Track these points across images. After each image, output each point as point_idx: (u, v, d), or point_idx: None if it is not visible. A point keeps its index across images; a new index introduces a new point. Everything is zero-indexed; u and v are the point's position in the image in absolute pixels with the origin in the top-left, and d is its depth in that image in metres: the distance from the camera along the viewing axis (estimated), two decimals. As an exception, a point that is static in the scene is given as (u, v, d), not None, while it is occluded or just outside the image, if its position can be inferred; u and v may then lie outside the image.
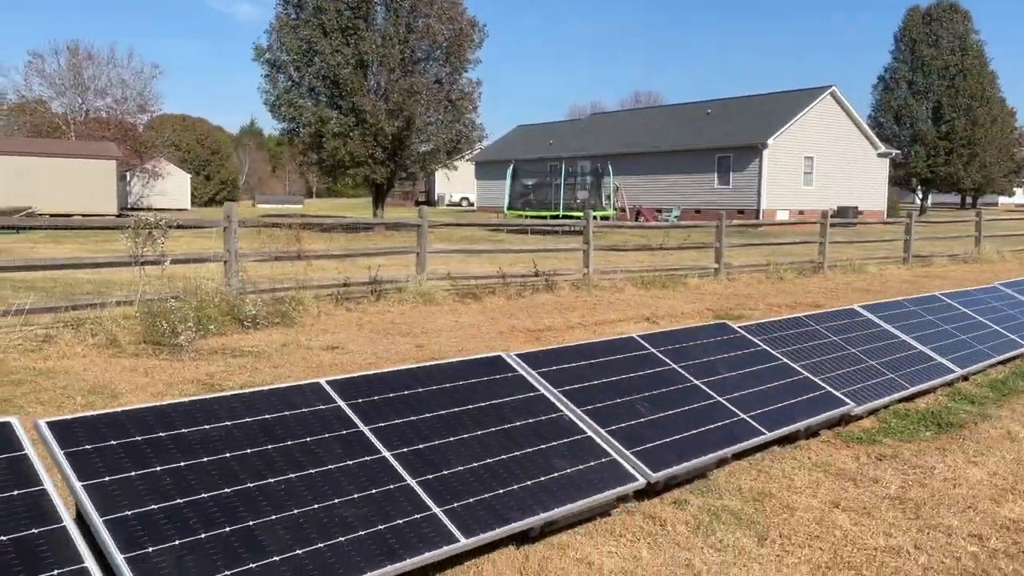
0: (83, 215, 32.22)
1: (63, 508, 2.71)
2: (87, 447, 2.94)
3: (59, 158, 37.11)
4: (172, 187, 53.86)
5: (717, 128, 40.47)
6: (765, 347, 5.70)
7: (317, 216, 24.83)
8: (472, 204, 57.58)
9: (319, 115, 28.51)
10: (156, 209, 44.76)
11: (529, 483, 3.60)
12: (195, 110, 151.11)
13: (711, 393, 4.87)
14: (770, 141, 36.97)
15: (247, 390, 3.59)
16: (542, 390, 4.33)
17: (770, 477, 4.52)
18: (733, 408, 4.80)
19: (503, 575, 3.28)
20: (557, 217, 32.39)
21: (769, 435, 4.72)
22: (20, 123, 52.59)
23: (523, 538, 3.53)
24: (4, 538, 2.53)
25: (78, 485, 2.79)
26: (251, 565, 2.74)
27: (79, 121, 49.95)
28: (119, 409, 3.18)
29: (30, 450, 2.86)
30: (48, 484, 2.78)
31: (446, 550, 3.12)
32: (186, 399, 3.40)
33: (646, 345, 5.15)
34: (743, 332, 5.83)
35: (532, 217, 33.12)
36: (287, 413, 3.49)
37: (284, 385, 3.70)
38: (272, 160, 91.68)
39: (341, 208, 56.32)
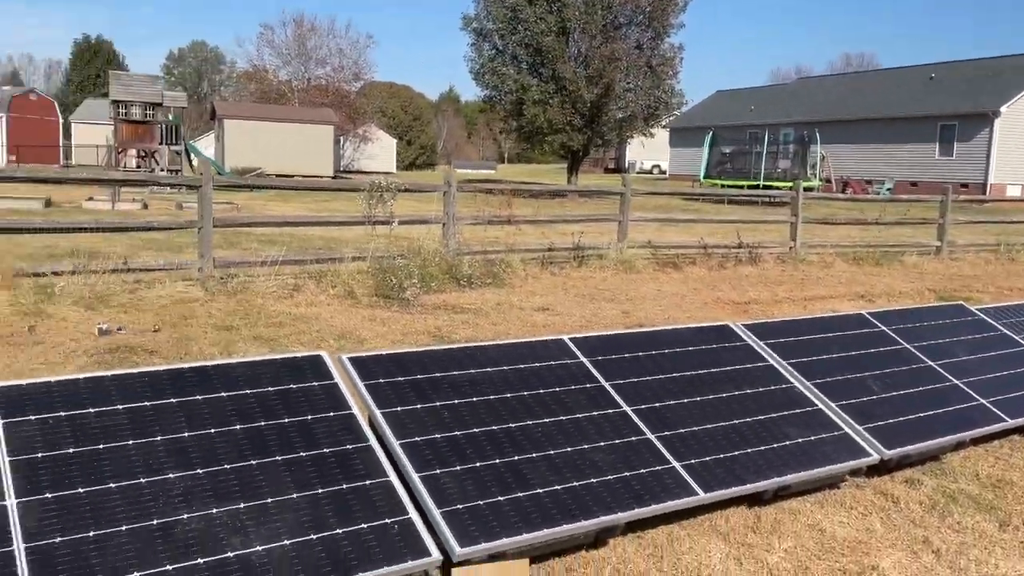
0: (304, 176, 35.11)
1: (367, 429, 3.21)
2: (381, 381, 3.44)
3: (284, 123, 40.55)
4: (379, 151, 57.29)
5: (941, 94, 37.15)
6: (1007, 332, 5.41)
7: (523, 183, 25.52)
8: (663, 172, 56.71)
9: (520, 82, 29.21)
10: (365, 172, 47.87)
11: (762, 448, 3.75)
12: (399, 78, 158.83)
13: (947, 375, 4.74)
14: (1003, 109, 33.47)
15: (502, 341, 3.98)
16: (771, 360, 4.43)
17: (1010, 466, 4.36)
18: (971, 392, 4.65)
19: (736, 531, 3.47)
20: (756, 187, 31.28)
21: (1010, 422, 4.54)
22: (249, 90, 57.92)
23: (755, 500, 3.69)
24: (327, 450, 3.06)
25: (377, 412, 3.28)
26: (519, 494, 3.11)
27: (301, 88, 54.26)
28: (403, 350, 3.66)
29: (338, 379, 3.39)
30: (354, 408, 3.29)
31: (686, 501, 3.35)
32: (454, 345, 3.84)
33: (876, 323, 5.07)
34: (981, 315, 5.56)
35: (729, 186, 32.19)
36: (537, 364, 3.85)
37: (532, 339, 4.06)
38: (468, 126, 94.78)
39: (532, 174, 57.42)
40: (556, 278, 10.95)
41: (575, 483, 3.25)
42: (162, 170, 26.32)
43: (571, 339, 4.11)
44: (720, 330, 4.59)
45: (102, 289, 7.66)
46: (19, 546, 2.42)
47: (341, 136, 53.07)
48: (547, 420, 3.53)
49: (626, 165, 65.54)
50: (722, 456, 3.63)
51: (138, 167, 27.78)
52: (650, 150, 58.80)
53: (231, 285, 8.45)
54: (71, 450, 2.75)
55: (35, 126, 47.98)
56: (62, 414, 2.86)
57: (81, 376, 3.04)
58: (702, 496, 3.40)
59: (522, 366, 3.80)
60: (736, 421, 3.89)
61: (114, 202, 17.55)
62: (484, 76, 30.33)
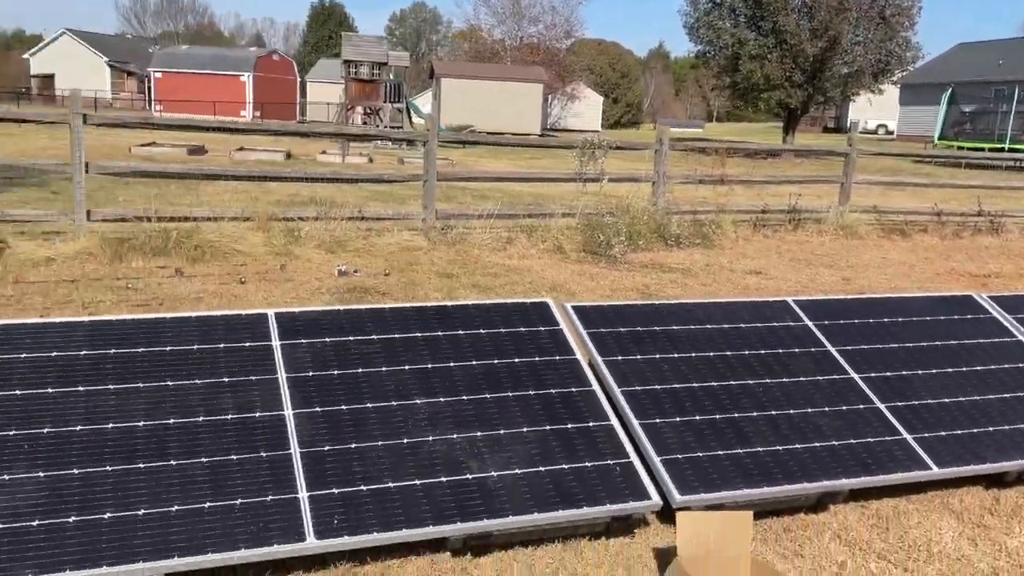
0: (512, 134, 35.96)
1: (589, 374, 3.36)
2: (602, 330, 3.56)
3: (496, 81, 41.62)
4: (585, 109, 57.34)
5: None
6: None
7: (735, 142, 24.64)
8: (890, 132, 52.23)
9: (737, 36, 27.98)
10: (571, 130, 48.14)
11: (1007, 427, 3.49)
12: (608, 34, 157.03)
13: None
14: None
15: (723, 298, 3.96)
16: (1020, 336, 4.07)
17: None
18: None
19: (971, 511, 3.28)
20: (1000, 150, 28.07)
21: None
22: (464, 49, 59.84)
23: (995, 481, 3.46)
24: (553, 391, 3.24)
25: (599, 359, 3.42)
26: (739, 450, 3.13)
27: (513, 47, 55.33)
28: (623, 303, 3.76)
29: (563, 325, 3.56)
30: (577, 354, 3.45)
31: (916, 475, 3.21)
32: (674, 301, 3.88)
33: None
34: None
35: (968, 149, 29.11)
36: (759, 325, 3.80)
37: (755, 299, 4.01)
38: (676, 83, 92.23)
39: (742, 133, 55.02)
40: (769, 241, 10.57)
41: (797, 445, 3.21)
42: (385, 127, 28.03)
43: (795, 301, 4.01)
44: (961, 301, 4.27)
45: (340, 234, 8.39)
46: (295, 450, 2.80)
47: (549, 94, 53.63)
48: (769, 381, 3.49)
49: (848, 124, 61.04)
50: (960, 432, 3.42)
51: (363, 123, 29.79)
52: (876, 108, 54.25)
53: (450, 236, 8.95)
54: (335, 372, 3.12)
55: (276, 84, 52.73)
56: (327, 340, 3.24)
57: (342, 308, 3.41)
58: (935, 471, 3.24)
59: (743, 325, 3.77)
60: (977, 397, 3.63)
61: (344, 156, 18.97)
62: (699, 31, 29.33)
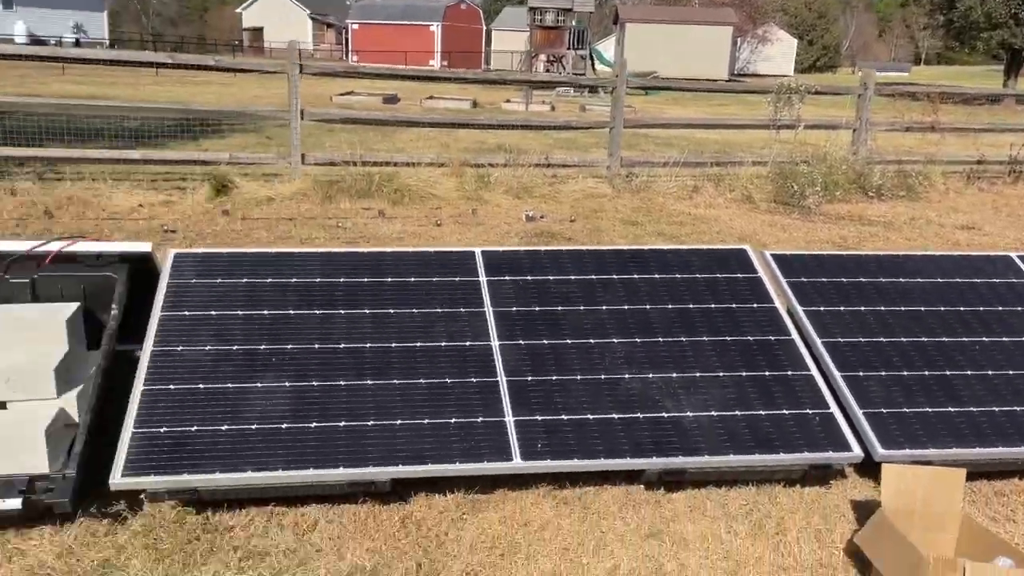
0: (697, 79, 34.73)
1: (788, 323, 3.32)
2: (803, 279, 3.49)
3: (681, 25, 40.23)
4: (777, 53, 54.21)
5: None
6: None
7: (947, 87, 22.48)
8: None
9: (956, -31, 25.30)
10: (760, 75, 45.78)
11: None
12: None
13: None
14: None
15: (934, 252, 3.75)
16: None
17: None
18: None
19: None
20: None
21: None
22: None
23: None
24: (750, 338, 3.24)
25: (799, 309, 3.36)
26: (949, 408, 3.00)
27: (700, -12, 53.08)
28: (825, 252, 3.66)
29: (761, 273, 3.52)
30: (775, 302, 3.41)
31: None
32: (880, 252, 3.72)
33: None
34: None
35: None
36: (976, 280, 3.57)
37: (971, 253, 3.76)
38: (880, 23, 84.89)
39: (954, 77, 49.98)
40: (984, 195, 9.71)
41: (1016, 407, 3.03)
42: (568, 75, 27.99)
43: (1020, 256, 3.72)
44: None
45: (527, 181, 8.60)
46: (502, 378, 3.00)
47: (738, 37, 51.12)
48: (985, 339, 3.30)
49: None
50: None
51: (546, 71, 29.90)
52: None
53: (634, 183, 8.92)
54: (536, 309, 3.29)
55: (463, 33, 53.87)
56: (529, 278, 3.41)
57: (544, 248, 3.56)
58: None
59: (958, 280, 3.56)
60: None
61: (527, 104, 19.21)
62: (910, -37, 26.75)
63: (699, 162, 9.84)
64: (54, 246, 3.11)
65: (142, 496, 2.72)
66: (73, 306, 3.08)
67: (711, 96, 26.85)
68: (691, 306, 3.35)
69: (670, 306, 3.34)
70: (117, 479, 2.53)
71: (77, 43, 34.78)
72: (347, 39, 53.89)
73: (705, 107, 23.10)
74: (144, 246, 3.19)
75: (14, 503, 2.42)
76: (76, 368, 2.97)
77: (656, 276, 3.47)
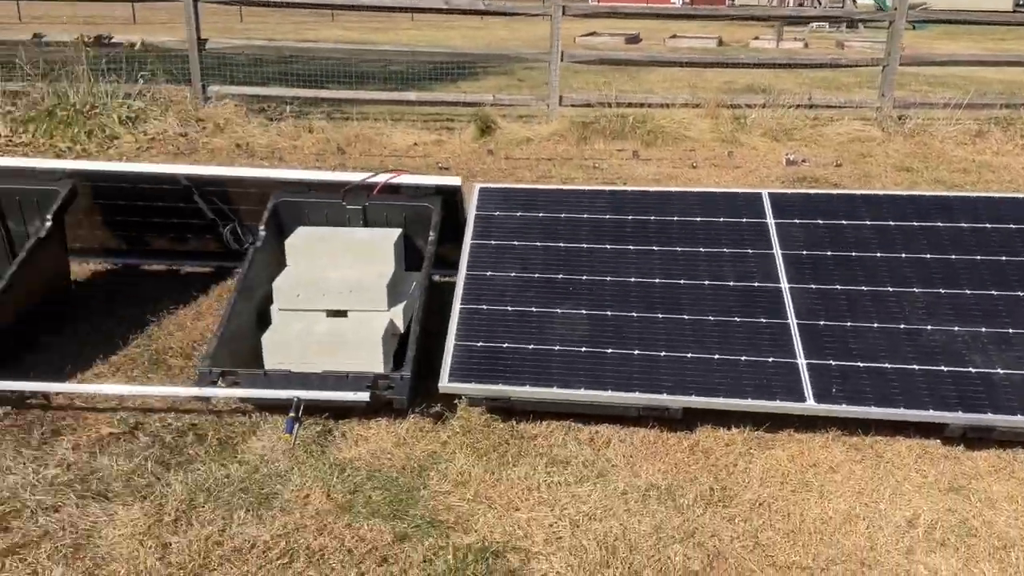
0: (974, 11, 30.86)
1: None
2: None
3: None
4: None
5: None
6: None
7: None
8: None
9: None
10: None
11: None
12: None
13: None
14: None
15: None
16: None
17: None
18: None
19: None
20: None
21: None
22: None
23: None
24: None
25: None
26: None
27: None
28: None
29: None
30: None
31: None
32: None
33: None
34: None
35: None
36: None
37: None
38: None
39: None
40: None
41: None
42: (824, 8, 26.02)
43: None
44: None
45: (786, 123, 8.24)
46: (792, 320, 3.01)
47: (1026, -41, 44.49)
48: None
49: None
50: None
51: (800, 4, 27.98)
52: None
53: (908, 127, 8.26)
54: (828, 253, 3.23)
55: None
56: (819, 222, 3.35)
57: (835, 191, 3.48)
58: None
59: None
60: None
61: (778, 41, 18.19)
62: None
63: (985, 104, 8.88)
64: (382, 178, 3.51)
65: (455, 401, 3.08)
66: (397, 231, 3.48)
67: (987, 30, 23.88)
68: (1003, 258, 3.13)
69: (979, 258, 3.14)
70: (445, 383, 2.88)
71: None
72: (585, -22, 53.53)
73: (981, 42, 20.58)
74: (455, 180, 3.51)
75: (364, 396, 2.84)
76: (400, 286, 3.37)
77: (964, 225, 3.27)
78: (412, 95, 8.61)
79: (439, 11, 8.36)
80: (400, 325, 3.26)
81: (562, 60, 8.13)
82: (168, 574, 2.21)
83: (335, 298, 3.19)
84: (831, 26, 22.41)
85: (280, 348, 3.06)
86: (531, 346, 2.97)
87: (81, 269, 4.27)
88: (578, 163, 7.16)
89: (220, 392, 2.86)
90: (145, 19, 21.09)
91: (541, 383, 2.85)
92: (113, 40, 7.99)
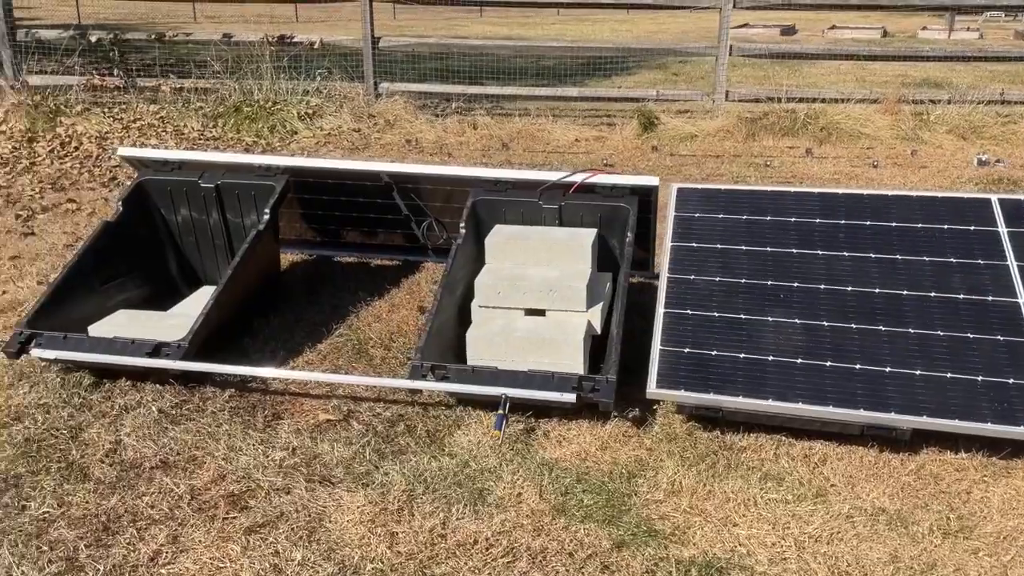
0: None
1: None
2: None
3: None
4: None
5: None
6: None
7: None
8: None
9: None
10: None
11: None
12: None
13: None
14: None
15: None
16: None
17: None
18: None
19: None
20: None
21: None
22: None
23: None
24: None
25: None
26: None
27: None
28: None
29: None
30: None
31: None
32: None
33: None
34: None
35: None
36: None
37: None
38: None
39: None
40: None
41: None
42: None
43: None
44: None
45: (974, 120, 7.66)
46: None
47: None
48: None
49: None
50: None
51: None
52: None
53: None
54: (1074, 266, 2.94)
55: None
56: (1062, 232, 3.06)
57: (1082, 199, 3.16)
58: None
59: None
60: None
61: (950, 31, 16.99)
62: None
63: None
64: (579, 176, 3.49)
65: (654, 406, 3.01)
66: (593, 232, 3.45)
67: None
68: None
69: None
70: (653, 389, 2.83)
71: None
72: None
73: None
74: (652, 180, 3.44)
75: (569, 397, 2.82)
76: (595, 287, 3.34)
77: None
78: (574, 91, 8.60)
79: (615, 6, 8.29)
80: (597, 326, 3.23)
81: (730, 54, 7.88)
82: (399, 563, 2.27)
83: (535, 297, 3.20)
84: (1006, 15, 20.75)
85: (483, 344, 3.09)
86: (742, 355, 2.86)
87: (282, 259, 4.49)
88: (747, 160, 6.92)
89: (431, 386, 2.92)
90: (308, 18, 22.14)
91: (755, 394, 2.74)
92: (295, 39, 8.39)
